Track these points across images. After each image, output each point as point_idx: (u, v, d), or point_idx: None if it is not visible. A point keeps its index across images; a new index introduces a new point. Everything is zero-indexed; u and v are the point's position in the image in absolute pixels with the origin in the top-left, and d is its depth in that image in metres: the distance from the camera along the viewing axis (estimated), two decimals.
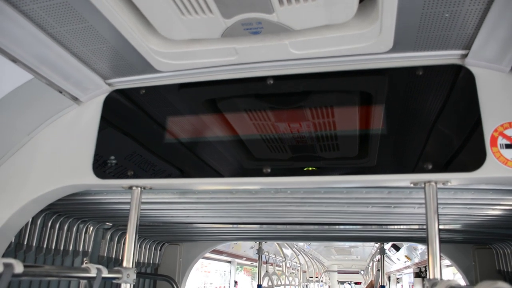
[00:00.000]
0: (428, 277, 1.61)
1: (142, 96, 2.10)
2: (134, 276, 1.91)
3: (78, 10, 1.59)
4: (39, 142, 2.20)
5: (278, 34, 1.73)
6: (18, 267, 1.25)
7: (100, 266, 1.70)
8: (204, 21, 1.59)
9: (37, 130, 2.21)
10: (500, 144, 1.62)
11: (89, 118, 2.16)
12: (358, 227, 3.55)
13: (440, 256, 1.64)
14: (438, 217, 1.66)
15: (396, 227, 3.49)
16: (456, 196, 2.23)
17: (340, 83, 1.89)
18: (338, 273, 19.49)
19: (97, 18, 1.60)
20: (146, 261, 4.78)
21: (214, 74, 2.02)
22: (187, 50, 1.82)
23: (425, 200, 1.69)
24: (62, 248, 3.45)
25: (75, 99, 2.17)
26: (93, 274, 1.64)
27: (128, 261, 1.95)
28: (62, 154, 2.14)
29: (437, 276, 1.59)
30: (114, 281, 1.86)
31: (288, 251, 10.20)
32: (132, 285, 1.92)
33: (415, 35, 1.66)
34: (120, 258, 4.33)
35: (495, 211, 2.58)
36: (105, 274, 1.71)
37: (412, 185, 1.74)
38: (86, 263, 3.85)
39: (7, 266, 1.20)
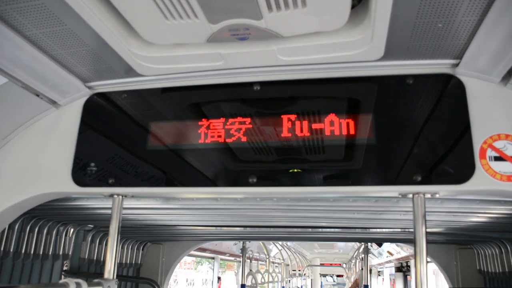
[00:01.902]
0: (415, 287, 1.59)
1: (124, 100, 2.02)
2: None
3: (55, 13, 1.50)
4: (15, 147, 2.10)
5: (266, 40, 1.67)
6: None
7: (79, 280, 1.62)
8: (189, 26, 1.52)
9: (13, 134, 2.10)
10: (489, 157, 1.60)
11: (68, 123, 2.07)
12: (343, 229, 3.54)
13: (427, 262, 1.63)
14: (425, 226, 1.64)
15: (379, 230, 3.49)
16: (442, 205, 2.22)
17: (328, 90, 1.84)
18: (321, 265, 19.65)
19: (76, 21, 1.52)
20: (128, 262, 4.70)
21: (199, 79, 1.95)
22: (170, 55, 1.74)
23: (413, 210, 1.66)
24: (41, 253, 3.35)
25: (53, 102, 2.08)
26: None
27: (109, 272, 1.88)
28: (40, 160, 2.04)
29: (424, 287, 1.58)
30: None
31: (271, 246, 10.21)
32: None
33: (407, 44, 1.62)
34: (102, 259, 4.24)
35: (479, 218, 2.59)
36: None
37: (400, 196, 1.72)
38: (66, 266, 3.75)
39: None
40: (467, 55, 1.62)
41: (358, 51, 1.64)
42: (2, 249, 2.94)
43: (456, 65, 1.70)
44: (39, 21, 1.55)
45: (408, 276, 11.42)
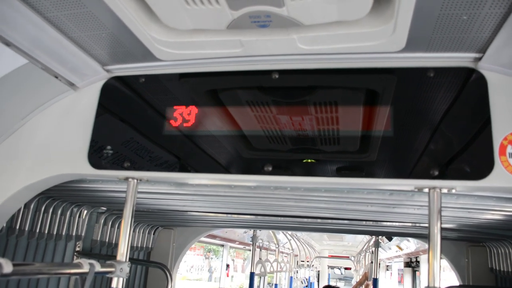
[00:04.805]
0: (428, 285, 1.58)
1: (142, 84, 2.03)
2: (128, 270, 1.87)
3: None
4: (33, 128, 2.13)
5: (287, 28, 1.65)
6: (7, 267, 1.20)
7: (93, 261, 1.65)
8: (210, 12, 1.51)
9: (31, 115, 2.13)
10: (509, 153, 1.57)
11: (86, 105, 2.08)
12: (354, 222, 3.53)
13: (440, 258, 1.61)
14: (441, 221, 1.62)
15: (390, 223, 3.48)
16: (458, 201, 2.20)
17: (347, 81, 1.82)
18: (329, 257, 19.68)
19: (97, 3, 1.52)
20: (139, 245, 4.76)
21: (217, 66, 1.94)
22: (190, 40, 1.74)
23: (428, 205, 1.65)
24: (55, 233, 3.41)
25: (71, 84, 2.09)
26: (85, 269, 1.60)
27: (122, 254, 1.90)
28: (57, 141, 2.07)
29: (437, 284, 1.57)
30: (107, 275, 1.82)
31: (280, 236, 10.25)
32: (125, 279, 1.89)
33: (429, 36, 1.59)
34: (114, 242, 4.31)
35: (495, 216, 2.55)
36: (98, 269, 1.67)
37: (416, 190, 1.70)
38: (78, 247, 3.81)
39: None
40: (491, 49, 1.58)
41: (379, 42, 1.62)
42: (17, 227, 3.01)
43: (479, 59, 1.66)
44: (61, 3, 1.55)
45: (417, 272, 11.37)
